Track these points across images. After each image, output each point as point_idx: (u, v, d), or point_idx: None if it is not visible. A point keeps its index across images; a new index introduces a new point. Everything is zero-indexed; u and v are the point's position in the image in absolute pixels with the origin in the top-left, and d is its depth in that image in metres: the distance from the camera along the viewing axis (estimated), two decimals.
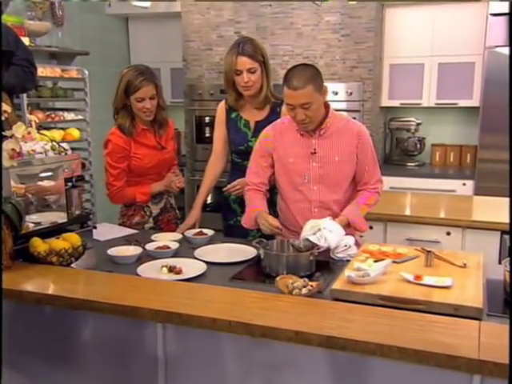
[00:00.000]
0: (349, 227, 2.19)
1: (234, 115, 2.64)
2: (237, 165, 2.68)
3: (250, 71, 2.46)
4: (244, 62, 2.44)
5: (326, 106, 2.24)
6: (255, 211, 2.25)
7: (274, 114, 2.57)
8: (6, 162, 1.90)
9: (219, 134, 2.70)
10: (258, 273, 1.99)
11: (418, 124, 4.49)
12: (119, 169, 2.60)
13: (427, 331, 1.40)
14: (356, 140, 2.22)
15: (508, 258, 1.71)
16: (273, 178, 2.37)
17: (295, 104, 2.09)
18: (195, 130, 4.52)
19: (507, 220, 1.48)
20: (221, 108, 2.68)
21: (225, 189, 2.63)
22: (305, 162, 2.25)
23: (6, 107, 2.07)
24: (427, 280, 1.72)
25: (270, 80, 2.57)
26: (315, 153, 2.23)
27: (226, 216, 2.76)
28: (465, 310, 1.54)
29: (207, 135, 4.47)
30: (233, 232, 2.65)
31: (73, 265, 2.03)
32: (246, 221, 2.33)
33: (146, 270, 1.97)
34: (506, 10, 3.67)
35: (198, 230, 2.49)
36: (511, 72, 1.52)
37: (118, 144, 2.58)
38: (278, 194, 2.40)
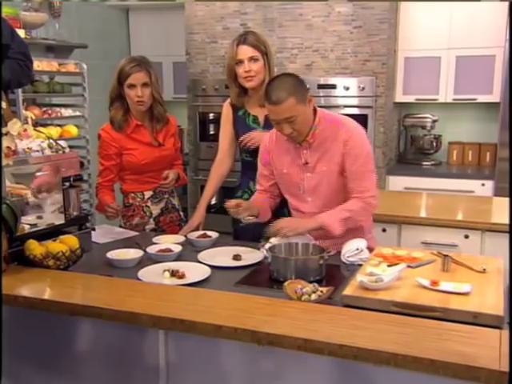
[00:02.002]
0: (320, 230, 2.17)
1: (241, 113, 2.66)
2: (248, 164, 2.69)
3: (253, 59, 2.49)
4: (245, 51, 2.49)
5: (314, 111, 2.21)
6: None
7: None
8: None
9: (225, 133, 2.73)
10: (264, 277, 2.00)
11: (435, 121, 4.47)
12: (103, 166, 2.66)
13: (444, 340, 1.40)
14: (341, 148, 2.18)
15: None
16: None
17: (278, 119, 2.09)
18: (199, 127, 4.52)
19: None
20: (226, 107, 2.71)
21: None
22: (299, 173, 2.26)
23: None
24: (444, 286, 1.72)
25: (272, 75, 2.57)
26: (307, 163, 2.24)
27: (236, 218, 2.74)
28: (484, 317, 1.54)
29: (211, 133, 4.48)
30: (243, 235, 2.62)
31: (70, 269, 2.03)
32: None
33: (147, 274, 1.97)
34: None
35: (202, 232, 2.49)
36: (511, 71, 1.52)
37: (105, 141, 2.62)
38: None
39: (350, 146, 2.17)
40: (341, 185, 2.22)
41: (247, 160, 2.70)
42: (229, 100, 2.70)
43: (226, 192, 2.99)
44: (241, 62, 2.50)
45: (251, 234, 2.53)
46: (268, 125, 2.56)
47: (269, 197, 2.42)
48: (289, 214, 2.46)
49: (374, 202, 2.21)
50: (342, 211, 2.18)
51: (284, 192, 2.37)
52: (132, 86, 2.55)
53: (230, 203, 2.21)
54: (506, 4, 3.86)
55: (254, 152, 2.61)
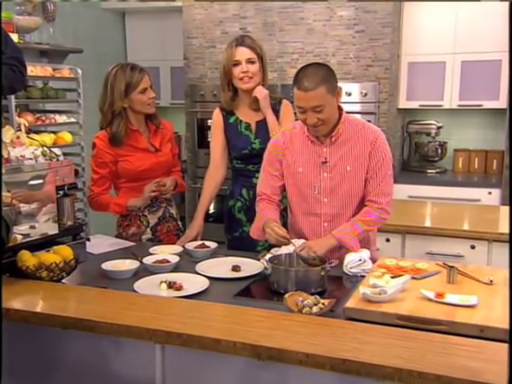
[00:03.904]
0: (339, 248, 2.19)
1: (232, 120, 2.70)
2: (239, 171, 2.74)
3: (250, 61, 2.58)
4: (243, 52, 2.58)
5: (340, 109, 2.24)
6: (263, 219, 2.27)
7: (274, 113, 2.66)
8: None
9: (217, 141, 2.77)
10: (264, 289, 1.99)
11: (439, 127, 4.49)
12: (99, 174, 2.65)
13: (450, 354, 1.40)
14: (369, 148, 2.21)
15: None
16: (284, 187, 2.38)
17: (306, 107, 2.09)
18: (197, 134, 4.53)
19: None
20: (217, 115, 2.75)
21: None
22: (315, 172, 2.25)
23: None
24: (450, 298, 1.72)
25: (266, 79, 2.68)
26: (326, 162, 2.23)
27: (230, 227, 2.76)
28: (491, 331, 1.54)
29: (210, 139, 4.47)
30: (238, 245, 2.65)
31: (64, 280, 2.03)
32: (253, 230, 2.36)
33: (144, 285, 1.97)
34: None
35: (200, 242, 2.50)
36: (511, 74, 1.53)
37: (100, 148, 2.63)
38: (288, 205, 2.41)
39: (377, 146, 2.21)
40: (361, 186, 2.23)
41: (238, 167, 2.74)
42: (218, 108, 2.76)
43: (222, 200, 3.00)
44: (238, 63, 2.58)
45: (246, 243, 2.54)
46: (260, 131, 2.62)
47: (277, 203, 2.38)
48: (284, 220, 2.49)
49: (388, 208, 2.24)
50: (359, 224, 2.19)
51: (293, 195, 2.33)
52: (145, 90, 2.59)
53: (284, 239, 2.15)
54: None
55: (248, 157, 2.64)
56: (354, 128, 2.24)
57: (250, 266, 2.17)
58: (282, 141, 2.33)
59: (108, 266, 2.15)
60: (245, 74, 2.57)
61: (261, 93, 2.60)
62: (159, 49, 5.09)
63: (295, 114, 2.36)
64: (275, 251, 2.15)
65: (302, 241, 2.18)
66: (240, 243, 2.65)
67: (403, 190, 4.01)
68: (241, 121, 2.70)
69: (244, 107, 2.69)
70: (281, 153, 2.32)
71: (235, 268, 2.16)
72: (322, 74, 2.10)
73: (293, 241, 2.17)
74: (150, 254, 2.30)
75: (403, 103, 4.43)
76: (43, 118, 3.95)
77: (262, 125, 2.64)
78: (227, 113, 2.72)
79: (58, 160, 2.21)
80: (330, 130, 2.21)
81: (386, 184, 2.23)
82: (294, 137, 2.30)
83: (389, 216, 2.26)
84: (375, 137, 2.22)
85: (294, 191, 2.32)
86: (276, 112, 2.66)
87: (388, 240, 2.97)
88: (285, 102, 2.68)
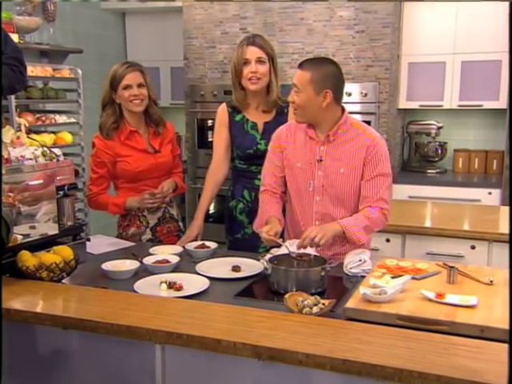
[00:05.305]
0: (344, 239, 2.17)
1: (238, 118, 2.67)
2: (241, 171, 2.71)
3: (260, 60, 2.54)
4: (253, 51, 2.54)
5: (342, 110, 2.25)
6: (266, 215, 2.28)
7: (282, 115, 2.64)
8: None
9: (220, 138, 2.72)
10: (265, 289, 1.99)
11: (439, 127, 4.48)
12: (98, 174, 2.66)
13: (451, 355, 1.40)
14: (364, 153, 2.20)
15: None
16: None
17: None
18: (197, 134, 4.54)
19: None
20: (222, 111, 2.71)
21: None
22: (311, 169, 2.26)
23: None
24: (450, 298, 1.72)
25: (278, 80, 2.64)
26: (321, 160, 2.24)
27: (231, 228, 2.74)
28: (492, 331, 1.54)
29: (210, 139, 4.48)
30: (239, 247, 2.63)
31: (64, 280, 2.03)
32: (257, 225, 2.35)
33: (144, 286, 1.97)
34: None
35: (201, 242, 2.49)
36: (511, 74, 1.52)
37: (99, 148, 2.63)
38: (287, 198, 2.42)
39: (375, 152, 2.20)
40: (353, 190, 2.23)
41: (241, 167, 2.71)
42: (225, 104, 2.72)
43: (223, 201, 2.99)
44: (248, 62, 2.54)
45: (248, 245, 2.53)
46: (267, 132, 2.59)
47: (280, 195, 2.38)
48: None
49: (388, 215, 2.23)
50: (362, 218, 2.18)
51: (291, 188, 2.34)
52: (128, 86, 2.56)
53: (270, 237, 2.12)
54: None
55: (252, 158, 2.63)
56: (355, 131, 2.24)
57: (250, 267, 2.17)
58: (285, 133, 2.35)
59: (108, 266, 2.15)
60: (253, 75, 2.53)
61: None
62: (159, 49, 5.09)
63: None
64: (275, 251, 2.15)
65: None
66: (241, 245, 2.63)
67: (403, 190, 4.01)
68: (247, 119, 2.66)
69: (252, 107, 2.66)
70: (284, 144, 2.34)
71: (235, 268, 2.16)
72: (321, 68, 2.14)
73: (291, 241, 2.17)
74: (150, 255, 2.30)
75: (403, 103, 4.43)
76: (43, 118, 3.95)
77: (270, 126, 2.60)
78: (234, 110, 2.68)
79: (58, 160, 2.22)
80: (328, 129, 2.22)
81: (384, 192, 2.21)
82: (297, 131, 2.32)
83: (386, 223, 2.26)
84: (374, 143, 2.21)
85: (292, 184, 2.34)
86: (284, 115, 2.64)
87: (388, 240, 2.97)
88: None
